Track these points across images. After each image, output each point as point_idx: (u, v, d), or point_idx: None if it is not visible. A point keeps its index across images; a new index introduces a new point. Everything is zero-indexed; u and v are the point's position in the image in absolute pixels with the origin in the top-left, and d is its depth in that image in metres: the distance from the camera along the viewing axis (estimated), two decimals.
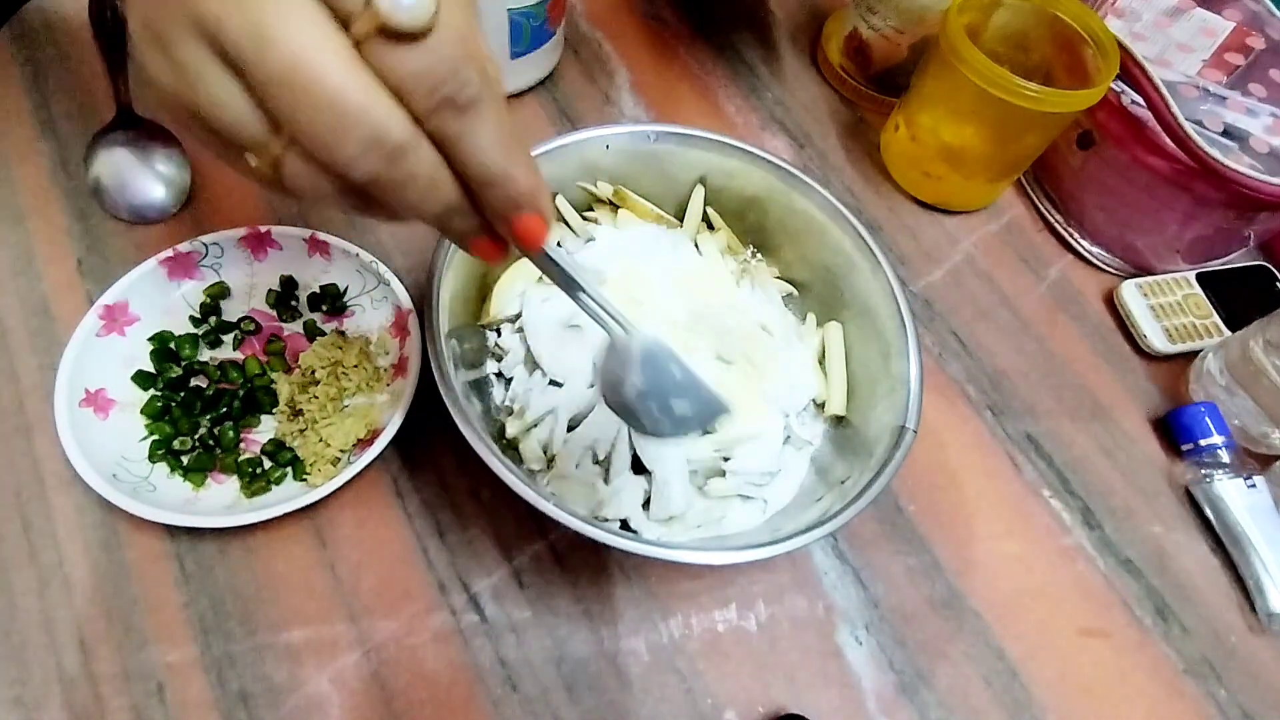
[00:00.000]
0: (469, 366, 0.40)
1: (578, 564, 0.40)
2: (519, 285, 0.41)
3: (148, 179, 0.47)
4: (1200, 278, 0.51)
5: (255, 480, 0.38)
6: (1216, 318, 0.50)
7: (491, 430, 0.37)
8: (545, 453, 0.39)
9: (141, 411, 0.40)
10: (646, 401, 0.29)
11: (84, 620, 0.36)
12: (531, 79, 0.54)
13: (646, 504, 0.38)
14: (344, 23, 0.18)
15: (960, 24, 0.45)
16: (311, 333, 0.43)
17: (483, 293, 0.42)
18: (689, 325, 0.41)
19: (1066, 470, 0.46)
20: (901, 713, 0.38)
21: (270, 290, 0.44)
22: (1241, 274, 0.52)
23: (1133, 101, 0.47)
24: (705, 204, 0.45)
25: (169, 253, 0.42)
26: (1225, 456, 0.45)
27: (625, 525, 0.38)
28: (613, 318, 0.28)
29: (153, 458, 0.38)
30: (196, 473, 0.38)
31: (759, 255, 0.47)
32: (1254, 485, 0.44)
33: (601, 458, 0.39)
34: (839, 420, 0.42)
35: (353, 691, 0.36)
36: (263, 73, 0.17)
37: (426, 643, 0.37)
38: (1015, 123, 0.46)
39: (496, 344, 0.42)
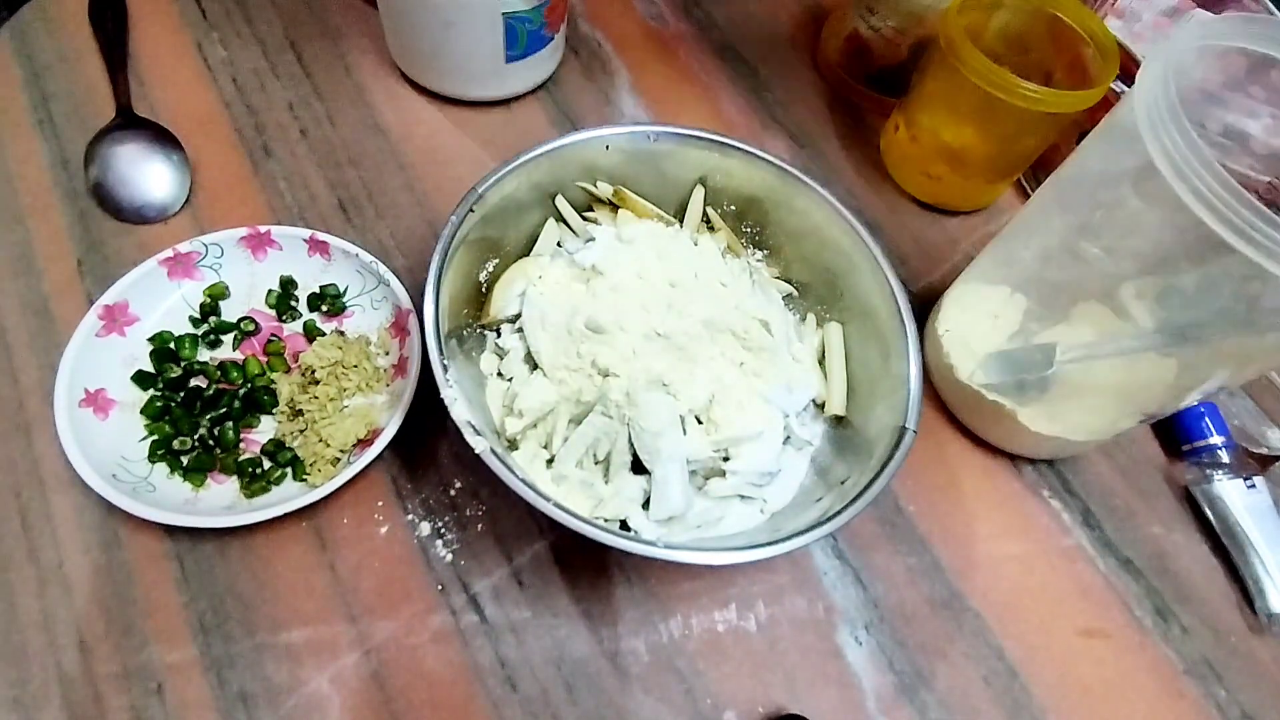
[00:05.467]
0: (468, 366, 0.40)
1: (578, 564, 0.40)
2: (519, 285, 0.41)
3: (148, 179, 0.47)
4: None
5: (255, 480, 0.38)
6: None
7: (491, 430, 0.37)
8: (545, 452, 0.39)
9: (141, 411, 0.40)
10: None
11: (84, 620, 0.36)
12: (529, 83, 0.54)
13: (646, 504, 0.38)
14: None
15: (960, 24, 0.45)
16: (311, 333, 0.43)
17: (483, 293, 0.42)
18: (692, 327, 0.41)
19: (1066, 470, 0.46)
20: (901, 713, 0.38)
21: (270, 290, 0.44)
22: None
23: None
24: (705, 204, 0.45)
25: (169, 253, 0.42)
26: (1225, 457, 0.45)
27: (625, 525, 0.38)
28: None
29: (153, 458, 0.38)
30: (196, 473, 0.38)
31: (759, 255, 0.47)
32: (1254, 486, 0.44)
33: (601, 458, 0.39)
34: (839, 420, 0.42)
35: (353, 691, 0.36)
36: None
37: (426, 643, 0.37)
38: (1015, 123, 0.46)
39: (496, 344, 0.42)
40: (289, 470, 0.39)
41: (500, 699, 0.36)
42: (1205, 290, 0.32)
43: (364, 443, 0.39)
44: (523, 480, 0.32)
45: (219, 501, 0.38)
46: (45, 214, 0.46)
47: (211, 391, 0.41)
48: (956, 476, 0.45)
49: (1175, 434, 0.47)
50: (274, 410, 0.41)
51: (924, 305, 0.50)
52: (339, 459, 0.39)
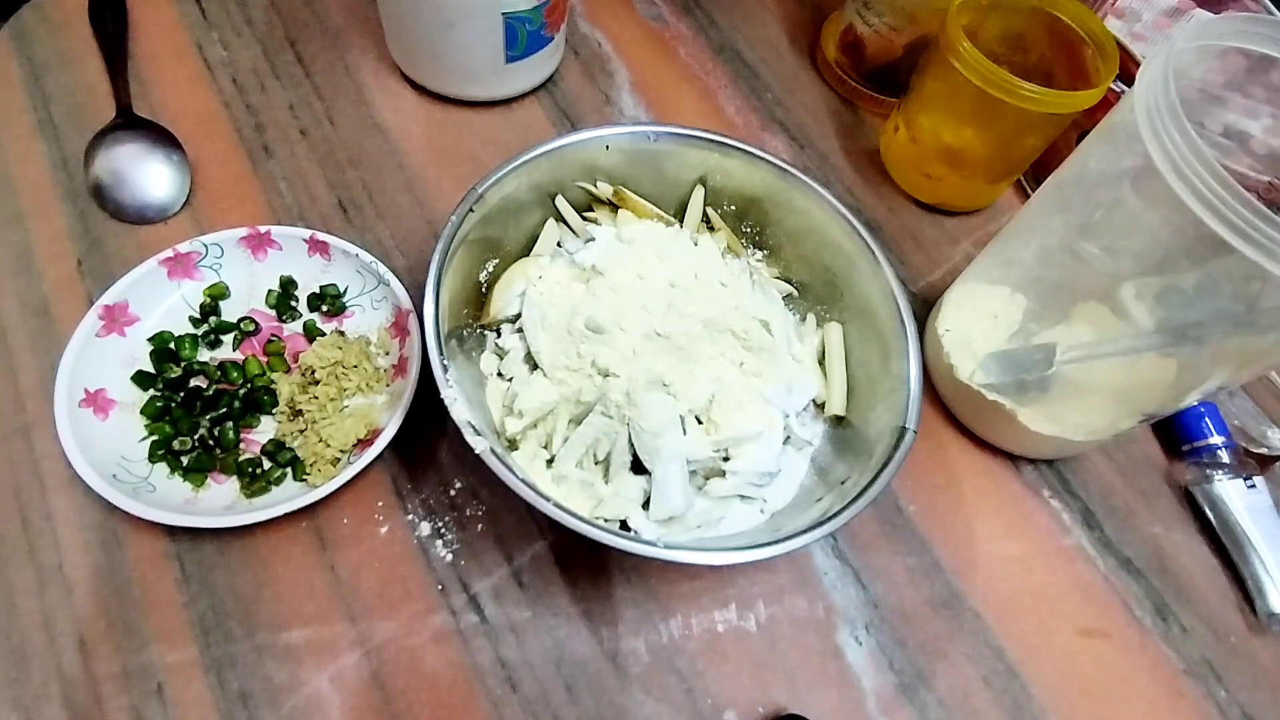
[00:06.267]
0: (468, 366, 0.40)
1: (578, 564, 0.40)
2: (519, 285, 0.41)
3: (148, 179, 0.47)
4: None
5: (255, 480, 0.38)
6: None
7: (491, 430, 0.37)
8: (545, 452, 0.39)
9: (141, 412, 0.40)
10: None
11: (84, 620, 0.36)
12: (529, 84, 0.54)
13: (646, 504, 0.38)
14: None
15: (959, 25, 0.45)
16: (311, 333, 0.43)
17: (483, 293, 0.42)
18: (692, 327, 0.41)
19: (1066, 470, 0.46)
20: (901, 713, 0.38)
21: (270, 290, 0.44)
22: None
23: None
24: (705, 204, 0.45)
25: (169, 253, 0.42)
26: (1225, 457, 0.45)
27: (625, 525, 0.38)
28: None
29: (153, 458, 0.38)
30: (196, 473, 0.38)
31: (759, 255, 0.47)
32: (1254, 486, 0.44)
33: (601, 458, 0.39)
34: (839, 420, 0.42)
35: (353, 692, 0.36)
36: None
37: (426, 643, 0.37)
38: (1015, 124, 0.46)
39: (496, 344, 0.42)
40: (289, 470, 0.39)
41: (500, 699, 0.36)
42: (1205, 290, 0.32)
43: (364, 443, 0.39)
44: (523, 480, 0.32)
45: (219, 501, 0.38)
46: (45, 214, 0.46)
47: (211, 391, 0.41)
48: (956, 476, 0.45)
49: (1175, 434, 0.47)
50: (274, 410, 0.41)
51: (924, 305, 0.50)
52: (339, 459, 0.39)
